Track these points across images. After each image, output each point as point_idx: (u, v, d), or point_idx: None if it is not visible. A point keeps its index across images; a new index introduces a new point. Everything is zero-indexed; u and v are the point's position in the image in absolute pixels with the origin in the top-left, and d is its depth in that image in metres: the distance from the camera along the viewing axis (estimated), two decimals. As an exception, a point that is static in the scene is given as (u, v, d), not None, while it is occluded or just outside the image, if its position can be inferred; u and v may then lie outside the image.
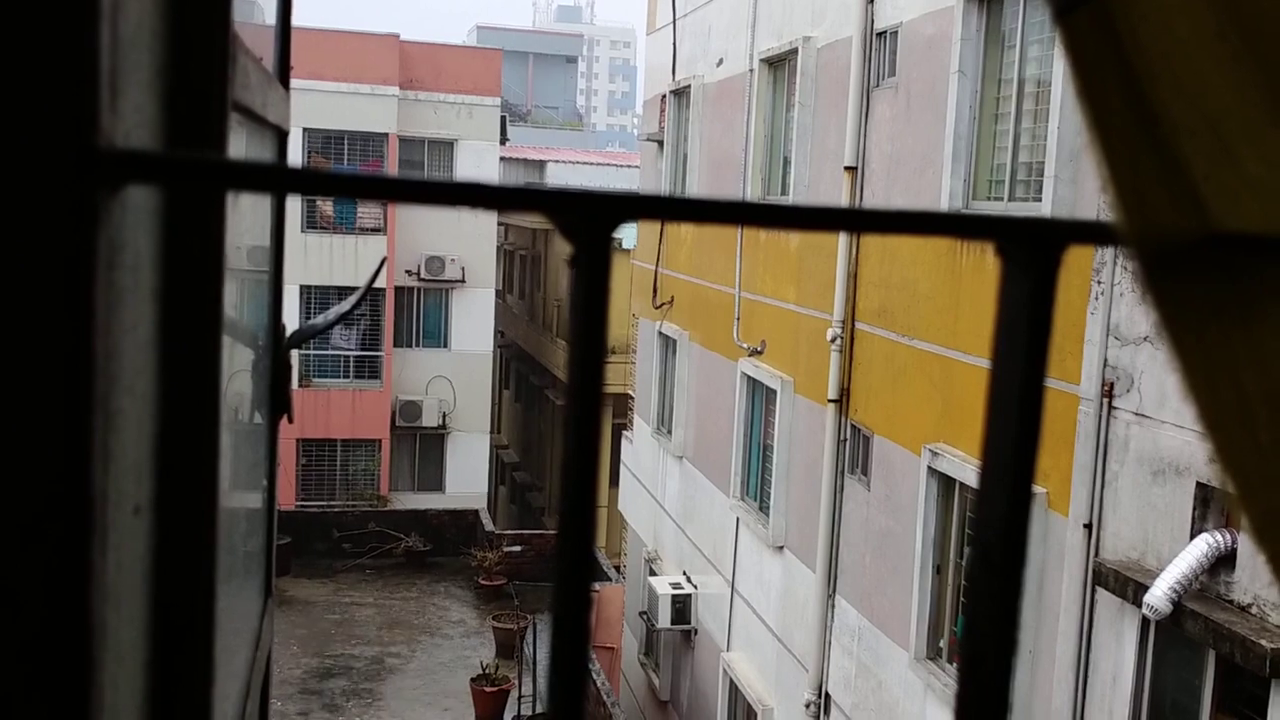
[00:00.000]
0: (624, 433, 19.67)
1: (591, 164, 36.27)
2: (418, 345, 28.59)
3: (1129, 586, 6.77)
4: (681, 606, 15.25)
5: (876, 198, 10.59)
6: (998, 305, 0.53)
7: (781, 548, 12.54)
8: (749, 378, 13.48)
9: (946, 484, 9.31)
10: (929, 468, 9.33)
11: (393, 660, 20.46)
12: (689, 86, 15.83)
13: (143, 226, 0.82)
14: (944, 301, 9.25)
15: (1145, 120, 0.48)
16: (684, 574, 15.73)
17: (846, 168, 10.93)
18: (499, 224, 30.83)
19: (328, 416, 27.13)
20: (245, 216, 1.64)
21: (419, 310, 28.61)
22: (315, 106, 25.66)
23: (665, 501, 16.86)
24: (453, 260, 28.00)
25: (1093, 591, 7.33)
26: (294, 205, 24.82)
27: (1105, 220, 0.52)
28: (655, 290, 16.90)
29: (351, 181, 0.52)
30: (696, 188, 15.66)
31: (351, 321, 27.27)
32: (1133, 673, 6.96)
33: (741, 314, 13.63)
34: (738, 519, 13.73)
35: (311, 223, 26.88)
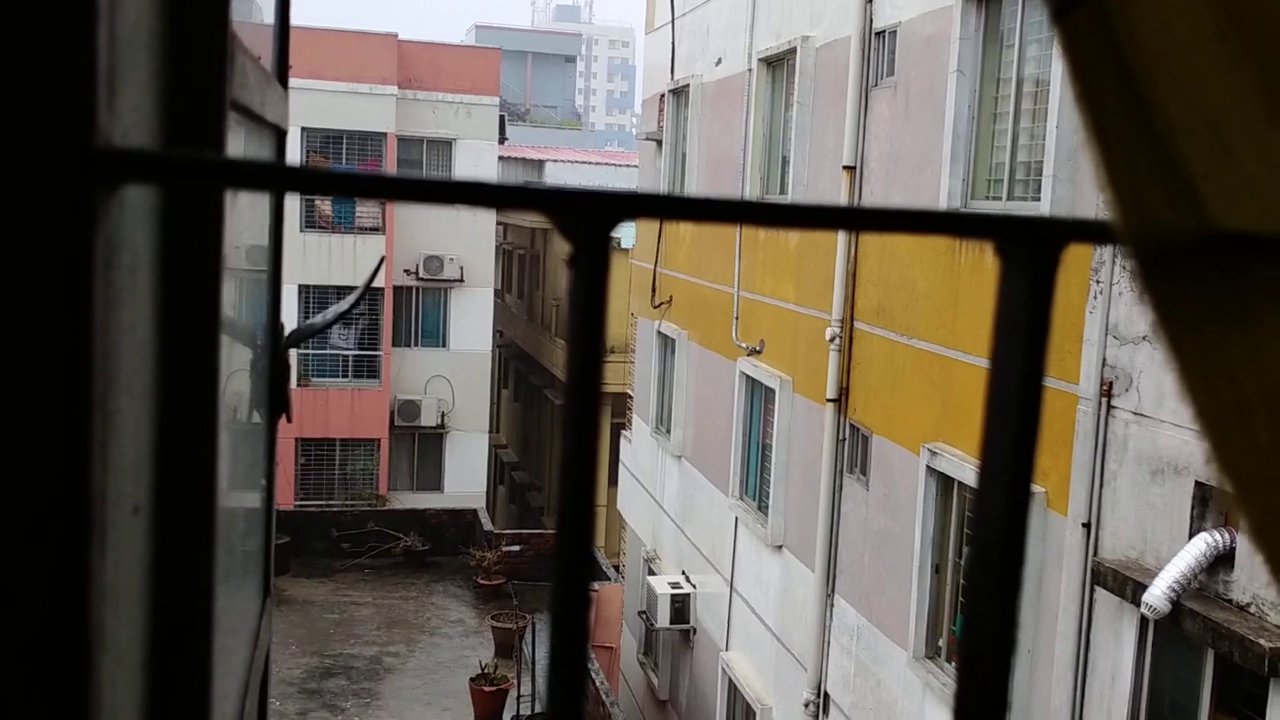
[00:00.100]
0: (623, 432, 19.67)
1: (590, 163, 36.28)
2: (416, 345, 28.58)
3: (1128, 586, 6.78)
4: (680, 606, 15.25)
5: (875, 197, 10.59)
6: (996, 304, 0.53)
7: (780, 547, 12.54)
8: (748, 377, 13.49)
9: (945, 483, 9.32)
10: (928, 467, 9.34)
11: (391, 660, 20.46)
12: (688, 86, 15.83)
13: (141, 226, 0.82)
14: (943, 300, 9.26)
15: (1143, 120, 0.48)
16: (683, 573, 15.73)
17: (845, 167, 10.93)
18: (498, 223, 30.82)
19: (326, 416, 27.13)
20: (244, 215, 1.64)
21: (418, 310, 28.60)
22: (314, 106, 25.65)
23: (664, 501, 16.86)
24: (451, 259, 27.99)
25: (1091, 591, 7.33)
26: (293, 204, 24.81)
27: (1104, 219, 0.52)
28: (654, 289, 16.90)
29: (350, 180, 0.52)
30: (695, 187, 15.66)
31: (350, 321, 27.26)
32: (1131, 672, 6.96)
33: (740, 313, 13.63)
34: (736, 518, 13.74)
35: (310, 222, 26.87)
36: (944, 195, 9.24)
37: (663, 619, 15.29)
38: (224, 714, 1.38)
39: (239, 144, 1.49)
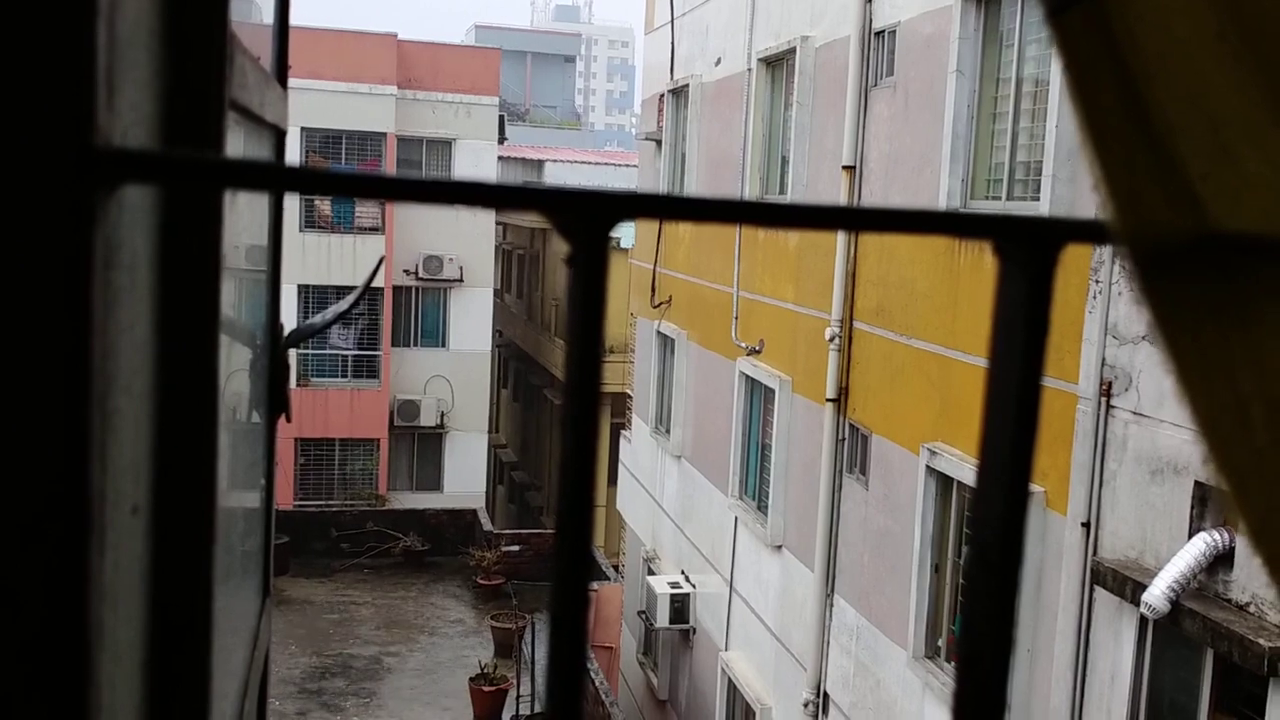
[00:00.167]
0: (622, 432, 19.67)
1: (590, 163, 36.30)
2: (416, 345, 28.58)
3: (1127, 585, 6.78)
4: (680, 606, 15.25)
5: (875, 197, 10.59)
6: (995, 304, 0.53)
7: (780, 547, 12.54)
8: (747, 377, 13.49)
9: (945, 483, 9.32)
10: (927, 467, 9.34)
11: (391, 660, 20.46)
12: (687, 86, 15.83)
13: (140, 226, 0.82)
14: (942, 300, 9.26)
15: (1141, 119, 0.48)
16: (682, 573, 15.73)
17: (845, 167, 10.93)
18: (497, 223, 30.82)
19: (326, 416, 27.12)
20: (243, 215, 1.64)
21: (417, 309, 28.60)
22: (313, 106, 25.65)
23: (664, 501, 16.86)
24: (451, 259, 27.99)
25: (1091, 590, 7.34)
26: (292, 204, 24.81)
27: (1102, 219, 0.52)
28: (653, 289, 16.90)
29: (349, 180, 0.52)
30: (695, 187, 15.66)
31: (349, 321, 27.26)
32: (1131, 671, 6.96)
33: (740, 313, 13.63)
34: (736, 518, 13.74)
35: (310, 222, 26.87)
36: (943, 195, 9.24)
37: (662, 619, 15.29)
38: (223, 714, 1.38)
39: (238, 144, 1.49)
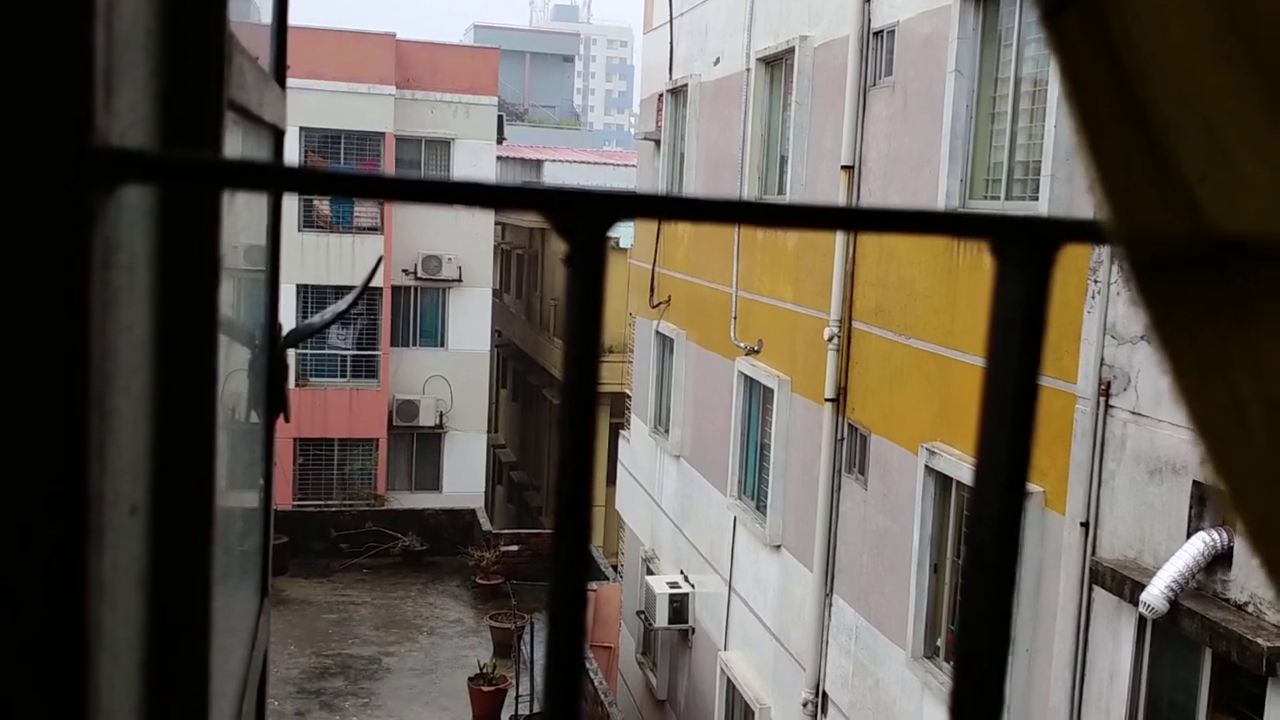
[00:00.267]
0: (621, 432, 19.67)
1: (588, 163, 36.31)
2: (415, 344, 28.58)
3: (1126, 585, 6.78)
4: (679, 606, 15.25)
5: (873, 197, 10.59)
6: (992, 304, 0.53)
7: (779, 547, 12.54)
8: (746, 377, 13.49)
9: (944, 483, 9.32)
10: (926, 466, 9.34)
11: (390, 660, 20.46)
12: (686, 86, 15.83)
13: (138, 226, 0.82)
14: (941, 300, 9.26)
15: (1138, 120, 0.48)
16: (681, 573, 15.73)
17: (843, 167, 10.93)
18: (496, 223, 30.82)
19: (325, 416, 27.12)
20: (241, 215, 1.64)
21: (416, 309, 28.60)
22: (312, 106, 25.65)
23: (662, 501, 16.86)
24: (450, 259, 27.99)
25: (1089, 590, 7.34)
26: (291, 204, 24.81)
27: (1100, 220, 0.52)
28: (652, 289, 16.90)
29: (348, 180, 0.52)
30: (694, 187, 15.66)
31: (348, 321, 27.25)
32: (1129, 671, 6.97)
33: (739, 313, 13.64)
34: (735, 518, 13.74)
35: (308, 222, 26.87)
36: (942, 195, 9.24)
37: (661, 619, 15.29)
38: (222, 714, 1.38)
39: (237, 144, 1.49)
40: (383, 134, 27.30)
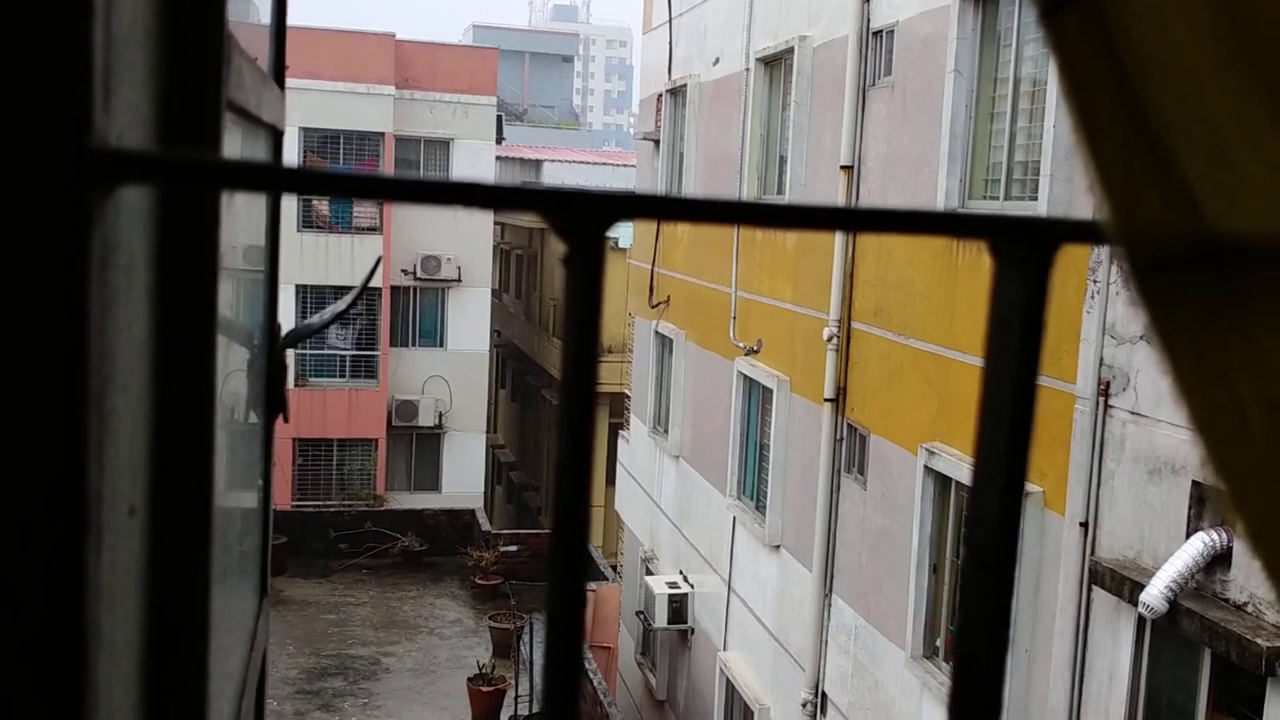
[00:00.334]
0: (620, 432, 19.67)
1: (587, 163, 36.31)
2: (414, 345, 28.58)
3: (1125, 585, 6.78)
4: (678, 606, 15.25)
5: (873, 197, 10.59)
6: (991, 304, 0.53)
7: (778, 547, 12.54)
8: (745, 377, 13.49)
9: (943, 483, 9.32)
10: (925, 467, 9.34)
11: (389, 660, 20.45)
12: (685, 86, 15.83)
13: (137, 226, 0.82)
14: (940, 300, 9.26)
15: (1137, 119, 0.48)
16: (680, 573, 15.73)
17: (842, 167, 10.94)
18: (495, 223, 30.83)
19: (324, 416, 27.12)
20: (240, 216, 1.64)
21: (415, 310, 28.60)
22: (311, 106, 25.65)
23: (662, 501, 16.86)
24: (449, 260, 27.99)
25: (1089, 590, 7.34)
26: (290, 204, 24.81)
27: (1099, 220, 0.52)
28: (651, 289, 16.90)
29: (346, 181, 0.52)
30: (693, 187, 15.66)
31: (347, 321, 27.25)
32: (1129, 671, 6.97)
33: (738, 313, 13.64)
34: (734, 518, 13.74)
35: (307, 222, 26.87)
36: (941, 195, 9.24)
37: (660, 619, 15.29)
38: (221, 714, 1.38)
39: (235, 144, 1.49)
40: (382, 134, 27.31)
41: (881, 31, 10.49)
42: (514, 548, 23.84)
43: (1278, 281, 0.46)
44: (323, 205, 26.82)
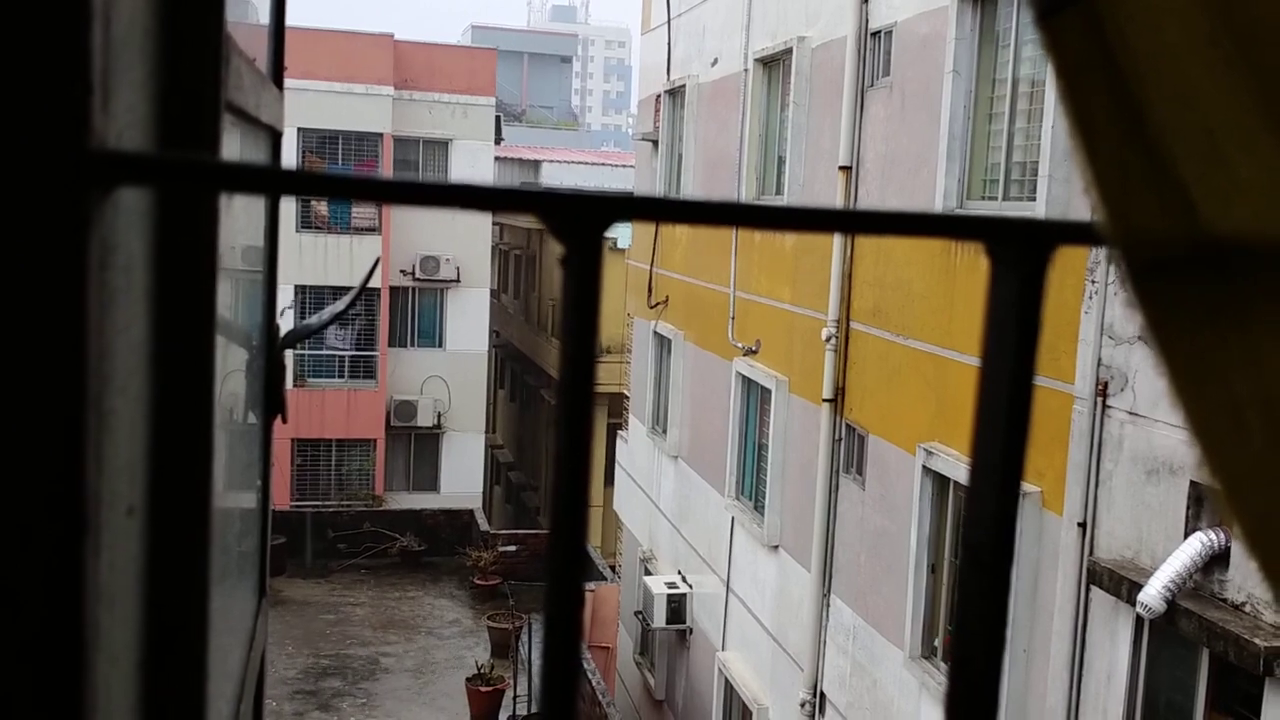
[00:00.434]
0: (619, 432, 19.67)
1: (586, 164, 36.29)
2: (413, 345, 28.58)
3: (1123, 585, 6.79)
4: (677, 606, 15.25)
5: (871, 197, 10.59)
6: (987, 305, 0.53)
7: (776, 547, 12.54)
8: (744, 377, 13.49)
9: (941, 483, 9.32)
10: (924, 467, 9.34)
11: (388, 660, 20.45)
12: (684, 86, 15.83)
13: (135, 227, 0.82)
14: (938, 301, 9.26)
15: (1133, 122, 0.48)
16: (679, 573, 15.73)
17: (841, 167, 10.94)
18: (494, 224, 30.83)
19: (322, 416, 27.11)
20: (239, 216, 1.64)
21: (414, 310, 28.60)
22: (310, 106, 25.64)
23: (660, 501, 16.86)
24: (448, 260, 27.99)
25: (1087, 590, 7.34)
26: (289, 205, 24.81)
27: (1095, 221, 0.52)
28: (650, 290, 16.90)
29: (345, 183, 0.52)
30: (691, 187, 15.67)
31: (346, 321, 27.24)
32: (1127, 671, 6.97)
33: (736, 313, 13.64)
34: (733, 518, 13.74)
35: (306, 222, 26.87)
36: (940, 196, 9.25)
37: (659, 619, 15.29)
38: (219, 714, 1.38)
39: (234, 145, 1.49)
40: (381, 134, 27.31)
41: (880, 32, 10.50)
42: (513, 548, 23.84)
43: (1277, 282, 0.46)
44: (321, 206, 26.81)
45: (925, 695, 9.35)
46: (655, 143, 17.20)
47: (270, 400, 2.23)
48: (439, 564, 24.98)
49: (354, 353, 27.88)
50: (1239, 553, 6.20)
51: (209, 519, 1.04)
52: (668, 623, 15.29)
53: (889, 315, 10.15)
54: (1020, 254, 0.52)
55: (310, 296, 26.07)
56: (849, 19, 10.80)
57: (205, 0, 1.00)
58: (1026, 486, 7.75)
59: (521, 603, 20.55)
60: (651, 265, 16.85)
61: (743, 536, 13.49)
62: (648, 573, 16.71)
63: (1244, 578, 6.19)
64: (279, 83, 2.36)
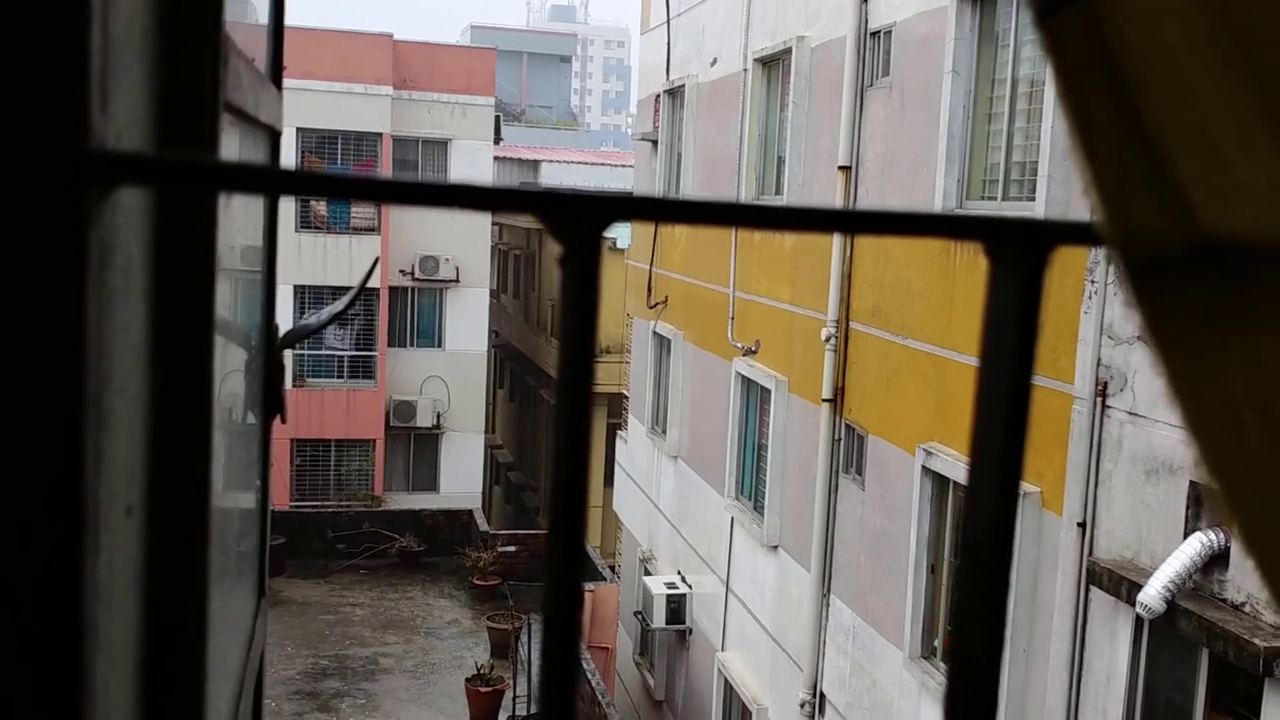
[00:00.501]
0: (619, 432, 19.67)
1: (586, 164, 36.29)
2: (412, 345, 28.57)
3: (1123, 585, 6.79)
4: (676, 606, 15.25)
5: (871, 197, 10.59)
6: (986, 305, 0.53)
7: (776, 547, 12.54)
8: (743, 377, 13.49)
9: (941, 483, 9.32)
10: (923, 467, 9.34)
11: (387, 660, 20.45)
12: (683, 86, 15.83)
13: (134, 228, 0.82)
14: (938, 301, 9.26)
15: (1133, 123, 0.48)
16: (679, 574, 15.73)
17: (840, 167, 10.94)
18: (493, 224, 30.82)
19: (322, 416, 27.10)
20: (238, 216, 1.64)
21: (413, 310, 28.59)
22: (309, 106, 25.64)
23: (660, 501, 16.86)
24: (447, 260, 27.98)
25: (1087, 590, 7.34)
26: (288, 205, 24.80)
27: (1094, 221, 0.52)
28: (650, 290, 16.90)
29: (344, 183, 0.52)
30: (691, 187, 15.67)
31: (345, 321, 27.24)
32: (1126, 671, 6.97)
33: (736, 313, 13.64)
34: (732, 518, 13.74)
35: (305, 222, 26.87)
36: (939, 196, 9.25)
37: (658, 619, 15.29)
38: (219, 714, 1.38)
39: (233, 145, 1.49)
40: (380, 134, 27.30)
41: (879, 32, 10.50)
42: (512, 548, 23.84)
43: (1277, 282, 0.46)
44: (320, 206, 26.81)
45: (925, 695, 9.35)
46: (654, 143, 17.20)
47: (269, 400, 2.23)
48: (438, 564, 24.98)
49: (353, 353, 27.88)
50: (1238, 553, 6.20)
51: (208, 519, 1.04)
52: (667, 623, 15.29)
53: (888, 315, 10.15)
54: (1019, 254, 0.52)
55: (309, 296, 26.06)
56: (848, 19, 10.80)
57: (204, 0, 1.00)
58: (1026, 486, 7.75)
59: (521, 603, 20.55)
60: (651, 265, 16.85)
61: (742, 537, 13.49)
62: (647, 573, 16.71)
63: (1243, 578, 6.19)
64: (278, 83, 2.36)
